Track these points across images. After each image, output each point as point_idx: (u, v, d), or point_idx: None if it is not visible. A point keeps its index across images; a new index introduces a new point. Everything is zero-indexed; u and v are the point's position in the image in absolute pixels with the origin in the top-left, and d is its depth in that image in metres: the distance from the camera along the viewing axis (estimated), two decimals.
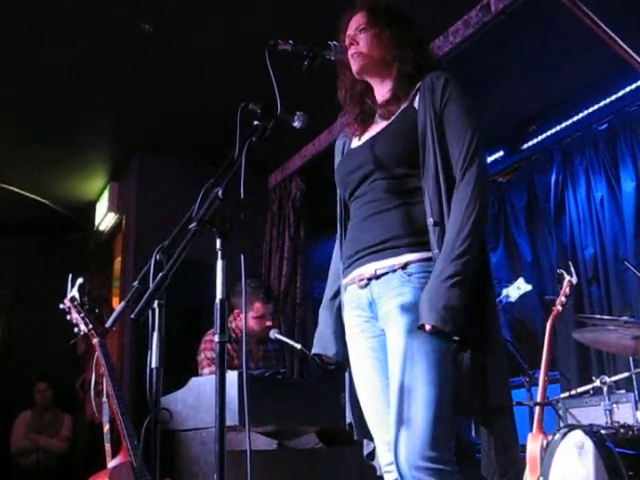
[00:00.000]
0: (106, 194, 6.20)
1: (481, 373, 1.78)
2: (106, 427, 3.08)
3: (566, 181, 4.98)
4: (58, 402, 6.27)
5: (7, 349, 6.88)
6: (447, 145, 1.88)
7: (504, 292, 4.17)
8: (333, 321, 2.12)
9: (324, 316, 2.15)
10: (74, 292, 3.21)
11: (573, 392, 3.66)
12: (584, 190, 4.83)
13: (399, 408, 1.77)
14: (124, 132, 5.39)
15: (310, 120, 1.87)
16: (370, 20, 2.06)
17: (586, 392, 3.63)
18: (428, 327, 1.72)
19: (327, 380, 3.62)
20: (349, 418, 2.08)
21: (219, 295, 1.58)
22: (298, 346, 3.87)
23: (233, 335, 3.97)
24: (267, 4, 3.82)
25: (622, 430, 2.96)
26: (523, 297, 4.23)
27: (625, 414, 3.36)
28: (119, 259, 5.89)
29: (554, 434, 2.92)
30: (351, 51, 2.05)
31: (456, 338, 1.76)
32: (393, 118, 2.02)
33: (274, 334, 3.95)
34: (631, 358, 3.50)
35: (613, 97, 4.57)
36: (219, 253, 1.59)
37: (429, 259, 1.83)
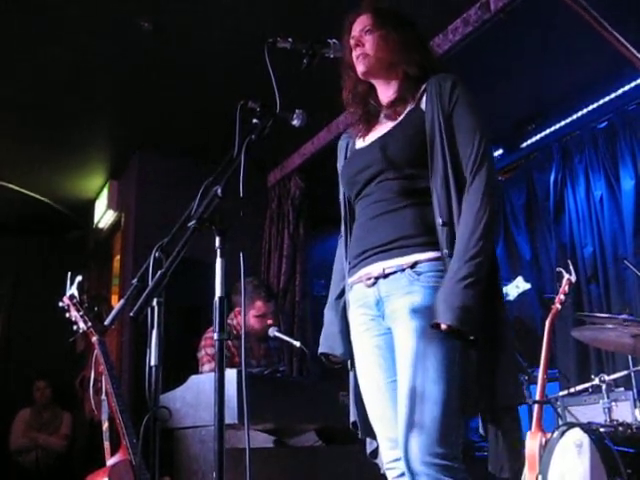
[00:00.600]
0: (105, 192, 6.21)
1: (490, 372, 1.81)
2: (105, 425, 3.08)
3: (565, 179, 4.98)
4: (57, 400, 6.27)
5: (6, 347, 6.89)
6: (456, 147, 1.90)
7: (503, 290, 4.17)
8: (339, 320, 2.12)
9: (330, 316, 2.16)
10: (73, 290, 3.21)
11: (572, 390, 3.66)
12: (583, 188, 4.83)
13: (409, 407, 1.78)
14: (123, 130, 5.40)
15: (309, 118, 1.87)
16: (376, 22, 2.06)
17: (585, 390, 3.63)
18: (444, 327, 1.73)
19: (326, 378, 3.63)
20: (353, 416, 2.08)
21: (218, 293, 1.58)
22: (297, 344, 3.87)
23: (234, 332, 3.97)
24: (267, 4, 3.82)
25: (621, 428, 2.97)
26: (522, 295, 4.24)
27: (624, 412, 3.36)
28: (118, 257, 5.89)
29: (553, 432, 2.93)
30: (356, 52, 2.05)
31: (472, 338, 1.77)
32: (400, 119, 2.02)
33: (273, 332, 3.96)
34: (630, 356, 3.50)
35: (612, 95, 4.58)
36: (218, 251, 1.59)
37: (438, 258, 1.85)
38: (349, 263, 2.07)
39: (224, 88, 4.48)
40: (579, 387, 3.63)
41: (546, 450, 2.88)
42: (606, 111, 4.71)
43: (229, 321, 3.99)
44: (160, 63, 4.39)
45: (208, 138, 5.09)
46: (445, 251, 1.83)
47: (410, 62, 2.04)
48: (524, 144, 5.27)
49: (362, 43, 2.05)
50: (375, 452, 2.07)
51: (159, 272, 1.51)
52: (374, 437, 2.03)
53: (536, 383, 3.23)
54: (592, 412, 3.52)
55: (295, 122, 1.87)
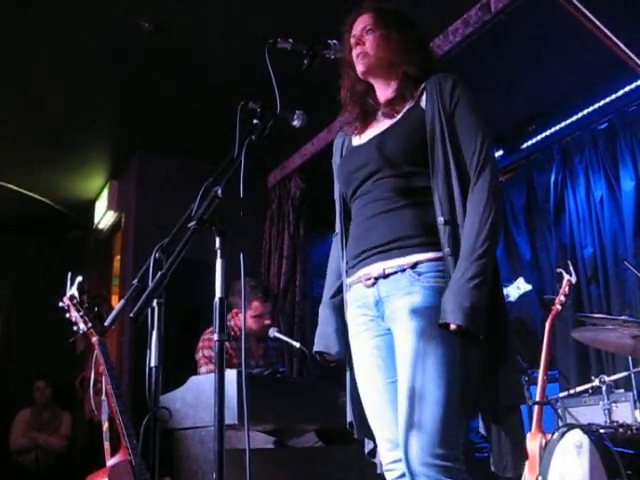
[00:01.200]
0: (106, 192, 6.21)
1: (492, 371, 1.81)
2: (105, 425, 3.08)
3: (565, 180, 4.98)
4: (57, 400, 6.27)
5: (7, 347, 6.89)
6: (457, 146, 1.90)
7: (504, 291, 4.17)
8: (334, 319, 2.11)
9: (325, 314, 2.15)
10: (73, 290, 3.21)
11: (572, 391, 3.66)
12: (583, 189, 4.83)
13: (409, 407, 1.78)
14: (124, 130, 5.40)
15: (309, 119, 1.87)
16: (377, 21, 2.06)
17: (585, 391, 3.63)
18: (453, 327, 1.73)
19: (326, 379, 3.62)
20: (350, 417, 2.08)
21: (218, 294, 1.58)
22: (297, 344, 3.87)
23: (232, 334, 3.97)
24: (267, 4, 3.82)
25: (621, 429, 2.97)
26: (522, 296, 4.24)
27: (624, 413, 3.36)
28: (118, 257, 5.89)
29: (553, 433, 2.93)
30: (357, 51, 2.05)
31: (481, 337, 1.77)
32: (399, 117, 2.02)
33: (273, 332, 3.95)
34: (630, 357, 3.50)
35: (613, 96, 4.58)
36: (218, 252, 1.59)
37: (439, 259, 1.85)
38: (347, 263, 2.06)
39: (224, 88, 4.48)
40: (579, 388, 3.63)
41: (546, 451, 2.89)
42: (606, 112, 4.71)
43: (227, 322, 3.98)
44: (160, 63, 4.39)
45: (208, 138, 5.09)
46: (446, 250, 1.83)
47: (410, 62, 2.04)
48: (524, 145, 5.27)
49: (363, 42, 2.05)
50: (373, 452, 2.06)
51: (159, 273, 1.51)
52: (371, 437, 2.02)
53: (536, 384, 3.24)
54: (592, 413, 3.52)
55: (295, 123, 1.87)
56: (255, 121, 1.76)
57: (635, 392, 3.36)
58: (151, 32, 3.99)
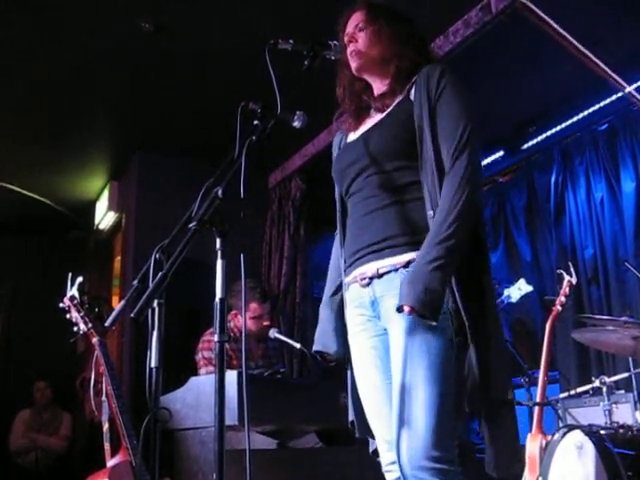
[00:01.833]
0: (106, 193, 6.21)
1: (483, 369, 1.78)
2: (105, 426, 3.08)
3: (566, 181, 4.98)
4: (57, 401, 6.27)
5: (7, 347, 6.89)
6: (439, 134, 1.87)
7: (505, 293, 4.18)
8: (334, 318, 2.11)
9: (325, 313, 2.15)
10: (74, 291, 3.21)
11: (572, 392, 3.67)
12: (584, 190, 4.83)
13: (400, 408, 1.77)
14: (124, 131, 5.40)
15: (310, 120, 1.87)
16: (369, 18, 2.06)
17: (585, 392, 3.63)
18: (407, 309, 1.70)
19: (327, 379, 3.62)
20: (351, 416, 2.07)
21: (219, 294, 1.58)
22: (298, 345, 3.87)
23: (231, 335, 3.97)
24: (267, 4, 3.82)
25: (621, 430, 2.96)
26: (523, 297, 4.24)
27: (624, 414, 3.36)
28: (119, 258, 5.89)
29: (553, 434, 2.92)
30: (350, 49, 2.05)
31: (434, 323, 1.72)
32: (388, 111, 2.01)
33: (273, 333, 3.95)
34: (630, 358, 3.50)
35: (613, 97, 4.57)
36: (219, 252, 1.59)
37: None
38: (345, 262, 2.06)
39: (224, 88, 4.48)
40: (580, 389, 3.63)
41: (547, 452, 2.88)
42: (607, 113, 4.70)
43: (226, 323, 3.98)
44: (160, 63, 4.39)
45: (208, 138, 5.09)
46: None
47: (403, 57, 2.02)
48: (525, 146, 5.26)
49: (355, 40, 2.04)
50: (377, 451, 2.05)
51: (160, 273, 1.51)
52: (373, 436, 2.01)
53: (537, 385, 3.23)
54: (593, 414, 3.51)
55: (296, 123, 1.87)
56: (255, 122, 1.76)
57: (635, 393, 3.35)
58: (151, 32, 3.99)
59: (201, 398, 3.23)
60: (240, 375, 3.04)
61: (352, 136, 2.13)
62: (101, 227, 6.43)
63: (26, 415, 6.11)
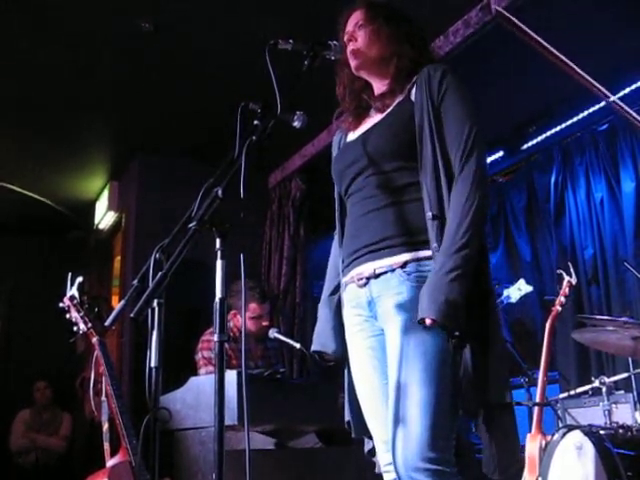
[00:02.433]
0: (106, 193, 6.21)
1: (481, 370, 1.76)
2: (105, 426, 3.08)
3: (566, 182, 4.98)
4: (57, 401, 6.28)
5: (7, 347, 6.89)
6: (445, 138, 1.87)
7: (505, 293, 4.18)
8: (332, 318, 2.10)
9: (323, 313, 2.14)
10: (73, 291, 3.21)
11: (572, 392, 3.66)
12: (584, 191, 4.83)
13: (396, 408, 1.76)
14: (124, 131, 5.40)
15: (310, 120, 1.87)
16: (368, 16, 2.05)
17: (585, 392, 3.63)
18: (428, 321, 1.69)
19: (326, 380, 3.62)
20: (348, 416, 2.07)
21: (219, 294, 1.58)
22: (297, 345, 3.86)
23: (231, 335, 3.97)
24: (268, 3, 3.82)
25: (621, 431, 2.96)
26: (523, 298, 4.24)
27: (624, 415, 3.36)
28: (119, 258, 5.89)
29: (553, 434, 2.92)
30: (349, 48, 2.04)
31: (457, 333, 1.73)
32: (388, 111, 2.01)
33: (273, 333, 3.95)
34: (630, 359, 3.50)
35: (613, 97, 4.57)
36: (219, 252, 1.59)
37: (426, 258, 1.82)
38: (343, 261, 2.05)
39: (224, 88, 4.48)
40: (579, 389, 3.63)
41: (546, 452, 2.88)
42: (607, 113, 4.70)
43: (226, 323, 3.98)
44: (160, 63, 4.39)
45: (208, 138, 5.09)
46: (434, 245, 1.79)
47: (402, 56, 2.02)
48: (525, 146, 5.26)
49: (355, 39, 2.04)
50: (373, 450, 2.04)
51: (159, 273, 1.51)
52: (369, 436, 2.01)
53: (536, 385, 3.23)
54: (592, 414, 3.52)
55: (296, 123, 1.87)
56: (255, 122, 1.75)
57: (635, 393, 3.36)
58: (151, 32, 3.99)
59: (201, 398, 3.23)
60: (240, 375, 3.04)
61: (352, 136, 2.13)
62: (101, 227, 6.43)
63: (26, 415, 6.11)
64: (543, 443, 2.94)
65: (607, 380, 3.37)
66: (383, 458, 1.94)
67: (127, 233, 5.75)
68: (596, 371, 4.30)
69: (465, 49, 3.93)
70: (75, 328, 3.18)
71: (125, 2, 3.79)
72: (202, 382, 3.31)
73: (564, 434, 2.86)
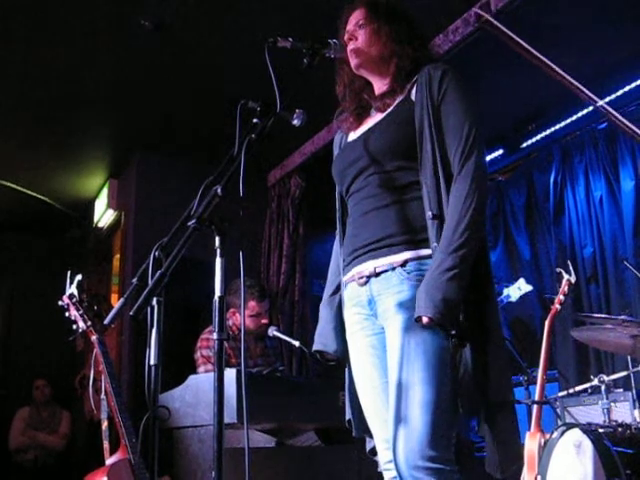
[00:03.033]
0: (105, 191, 6.20)
1: (482, 369, 1.77)
2: (104, 424, 3.08)
3: (565, 180, 4.98)
4: (57, 399, 6.27)
5: (6, 346, 6.89)
6: (445, 138, 1.87)
7: (505, 292, 4.19)
8: (333, 317, 2.11)
9: (324, 312, 2.15)
10: (73, 289, 3.21)
11: (571, 391, 3.67)
12: (583, 189, 4.83)
13: (397, 407, 1.76)
14: (123, 129, 5.39)
15: (309, 117, 1.87)
16: (369, 16, 2.05)
17: (584, 391, 3.63)
18: (425, 320, 1.70)
19: (326, 378, 3.63)
20: (348, 414, 2.07)
21: (218, 292, 1.58)
22: (297, 343, 3.87)
23: (230, 333, 3.97)
24: (268, 3, 3.82)
25: (620, 429, 2.97)
26: (522, 296, 4.24)
27: (623, 413, 3.36)
28: (118, 256, 5.89)
29: (552, 432, 2.93)
30: (350, 47, 2.04)
31: (453, 332, 1.74)
32: (389, 111, 2.01)
33: (272, 331, 3.95)
34: (629, 357, 3.51)
35: (612, 96, 4.57)
36: (218, 251, 1.59)
37: (426, 257, 1.83)
38: (343, 260, 2.06)
39: (223, 86, 4.48)
40: (578, 387, 3.64)
41: (545, 450, 2.89)
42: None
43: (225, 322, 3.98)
44: (160, 63, 4.38)
45: (208, 137, 5.09)
46: (434, 245, 1.80)
47: (402, 55, 2.02)
48: (524, 144, 5.27)
49: (355, 37, 2.04)
50: (374, 450, 2.05)
51: (159, 271, 1.51)
52: (369, 435, 2.01)
53: (535, 383, 3.23)
54: (591, 413, 3.52)
55: (295, 121, 1.87)
56: (255, 120, 1.75)
57: (634, 391, 3.36)
58: (151, 32, 3.98)
59: (200, 396, 3.23)
60: (239, 373, 3.05)
61: (352, 135, 2.13)
62: (100, 225, 6.42)
63: (25, 413, 6.11)
64: (542, 441, 2.95)
65: (606, 378, 3.37)
66: (383, 456, 1.94)
67: (126, 231, 5.75)
68: (595, 369, 4.30)
69: (465, 47, 3.93)
70: (74, 326, 3.18)
71: (125, 2, 3.79)
72: (201, 380, 3.31)
73: (563, 432, 2.86)
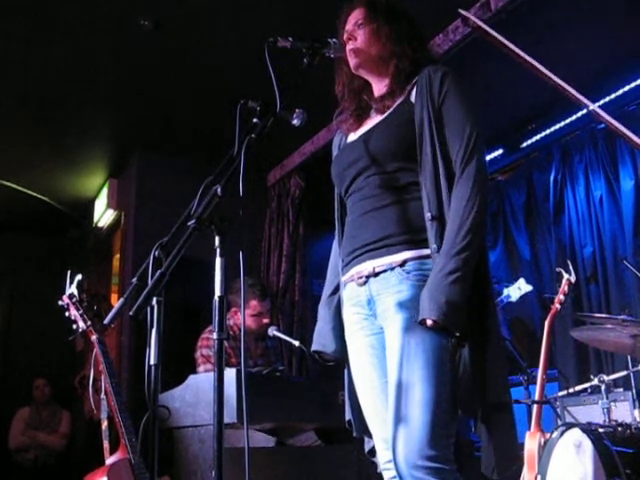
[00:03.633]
0: (105, 191, 6.20)
1: (479, 369, 1.77)
2: (104, 424, 3.08)
3: (565, 180, 4.98)
4: (57, 399, 6.27)
5: (6, 346, 6.89)
6: (445, 140, 1.88)
7: (505, 292, 4.19)
8: (332, 317, 2.11)
9: (323, 312, 2.15)
10: (73, 289, 3.21)
11: (571, 390, 3.66)
12: (583, 189, 4.83)
13: (396, 407, 1.76)
14: (123, 129, 5.39)
15: (309, 117, 1.87)
16: (368, 15, 2.05)
17: (584, 390, 3.63)
18: (429, 322, 1.71)
19: (326, 378, 3.62)
20: (348, 415, 2.07)
21: (218, 292, 1.58)
22: (296, 343, 3.87)
23: (231, 333, 3.97)
24: (268, 3, 3.82)
25: (620, 428, 2.96)
26: (522, 296, 4.24)
27: (623, 412, 3.36)
28: (118, 256, 5.89)
29: (552, 432, 2.93)
30: (349, 47, 2.04)
31: (457, 334, 1.75)
32: (388, 112, 2.01)
33: (272, 331, 3.95)
34: (629, 356, 3.50)
35: (612, 95, 4.57)
36: (218, 250, 1.59)
37: (426, 257, 1.83)
38: (342, 261, 2.06)
39: (223, 86, 4.48)
40: (578, 387, 3.63)
41: (545, 450, 2.88)
42: (606, 111, 4.64)
43: (226, 321, 3.98)
44: (160, 62, 4.38)
45: (207, 136, 5.09)
46: (434, 246, 1.80)
47: (402, 56, 2.02)
48: (524, 144, 5.27)
49: (354, 37, 2.04)
50: (373, 450, 2.05)
51: (159, 271, 1.51)
52: (369, 435, 2.01)
53: (535, 383, 3.23)
54: (591, 412, 3.52)
55: (295, 121, 1.87)
56: (255, 120, 1.76)
57: (634, 391, 3.36)
58: (151, 31, 3.98)
59: (200, 396, 3.23)
60: (239, 373, 3.05)
61: (352, 136, 2.13)
62: (100, 225, 6.43)
63: (25, 413, 6.11)
64: (542, 441, 2.95)
65: (606, 378, 3.37)
66: (383, 456, 1.94)
67: (126, 231, 5.75)
68: (595, 369, 4.30)
69: (465, 47, 3.93)
70: (74, 326, 3.19)
71: (125, 1, 3.79)
72: (201, 380, 3.31)
73: (563, 432, 2.86)
